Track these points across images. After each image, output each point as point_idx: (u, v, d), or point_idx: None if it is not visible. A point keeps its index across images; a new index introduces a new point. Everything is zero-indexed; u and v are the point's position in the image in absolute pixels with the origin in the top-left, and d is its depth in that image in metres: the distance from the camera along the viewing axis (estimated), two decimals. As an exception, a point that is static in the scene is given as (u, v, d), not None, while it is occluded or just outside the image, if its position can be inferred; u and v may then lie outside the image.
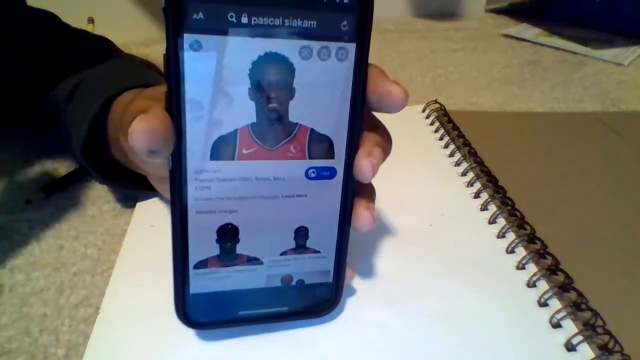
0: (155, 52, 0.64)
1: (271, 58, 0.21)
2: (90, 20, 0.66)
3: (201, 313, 0.25)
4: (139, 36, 0.71)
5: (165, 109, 0.21)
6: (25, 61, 0.41)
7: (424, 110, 0.52)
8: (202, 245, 0.23)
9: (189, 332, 0.27)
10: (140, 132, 0.20)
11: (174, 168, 0.22)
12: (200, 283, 0.24)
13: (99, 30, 0.59)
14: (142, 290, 0.30)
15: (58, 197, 0.39)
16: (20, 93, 0.41)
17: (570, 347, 0.27)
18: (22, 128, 0.46)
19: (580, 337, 0.27)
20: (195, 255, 0.24)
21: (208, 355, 0.26)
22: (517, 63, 0.69)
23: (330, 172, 0.24)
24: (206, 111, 0.21)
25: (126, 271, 0.31)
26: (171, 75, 0.20)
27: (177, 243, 0.23)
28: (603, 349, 0.27)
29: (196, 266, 0.24)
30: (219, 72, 0.20)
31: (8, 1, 0.43)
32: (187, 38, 0.19)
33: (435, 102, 0.52)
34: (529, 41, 0.77)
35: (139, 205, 0.37)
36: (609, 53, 0.72)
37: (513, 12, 0.90)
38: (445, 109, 0.51)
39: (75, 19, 0.45)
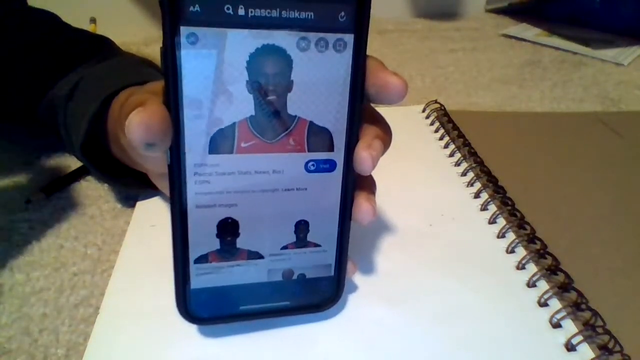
0: (155, 51, 0.64)
1: (268, 50, 0.21)
2: (92, 20, 0.66)
3: (202, 308, 0.25)
4: (139, 36, 0.71)
5: (162, 102, 0.21)
6: (25, 61, 0.41)
7: (424, 110, 0.52)
8: (203, 239, 0.23)
9: (189, 332, 0.27)
10: (136, 125, 0.20)
11: (173, 162, 0.21)
12: (201, 278, 0.24)
13: (99, 30, 0.59)
14: (142, 290, 0.30)
15: (58, 197, 0.39)
16: (20, 92, 0.41)
17: (570, 347, 0.27)
18: (22, 128, 0.46)
19: (580, 337, 0.27)
20: (195, 250, 0.24)
21: (208, 355, 0.26)
22: (517, 63, 0.69)
23: (330, 165, 0.24)
24: (204, 105, 0.21)
25: (126, 271, 0.31)
26: (168, 68, 0.20)
27: (177, 238, 0.23)
28: (603, 349, 0.27)
29: (197, 261, 0.24)
30: (216, 65, 0.20)
31: (8, 1, 0.43)
32: (184, 31, 0.19)
33: (435, 102, 0.52)
34: (529, 41, 0.77)
35: (139, 204, 0.37)
36: (609, 53, 0.72)
37: (513, 12, 0.90)
38: (445, 109, 0.51)
39: (75, 19, 0.46)
